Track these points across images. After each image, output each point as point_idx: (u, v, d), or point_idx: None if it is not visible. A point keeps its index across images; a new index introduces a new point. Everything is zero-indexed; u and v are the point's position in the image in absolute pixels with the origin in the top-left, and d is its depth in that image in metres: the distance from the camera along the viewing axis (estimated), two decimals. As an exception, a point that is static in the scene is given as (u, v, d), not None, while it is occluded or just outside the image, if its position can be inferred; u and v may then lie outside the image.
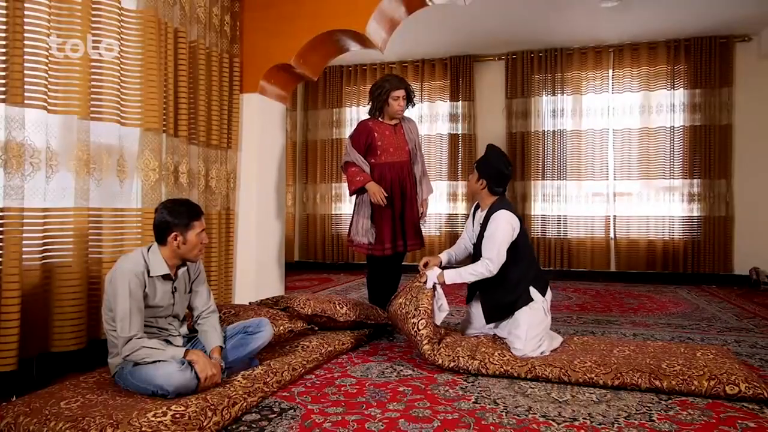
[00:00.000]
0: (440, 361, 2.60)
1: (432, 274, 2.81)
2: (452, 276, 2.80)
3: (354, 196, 3.63)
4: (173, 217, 2.22)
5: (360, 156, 3.51)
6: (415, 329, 2.67)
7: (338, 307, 3.09)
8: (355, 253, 6.29)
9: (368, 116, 3.64)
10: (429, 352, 2.62)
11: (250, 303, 3.29)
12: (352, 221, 3.61)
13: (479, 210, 3.00)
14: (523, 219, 6.16)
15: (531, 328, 2.66)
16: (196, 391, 2.08)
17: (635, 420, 2.00)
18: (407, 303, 2.78)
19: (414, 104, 3.67)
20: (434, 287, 2.80)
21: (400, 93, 3.48)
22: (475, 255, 2.94)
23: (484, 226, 2.84)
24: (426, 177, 3.72)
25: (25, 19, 2.36)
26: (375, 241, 3.48)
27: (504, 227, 2.75)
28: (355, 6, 3.66)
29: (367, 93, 3.74)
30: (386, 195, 3.42)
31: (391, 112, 3.53)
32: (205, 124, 3.51)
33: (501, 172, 2.86)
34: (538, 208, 6.26)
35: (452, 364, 2.58)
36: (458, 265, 2.96)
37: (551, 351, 2.71)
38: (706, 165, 5.76)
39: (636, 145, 6.01)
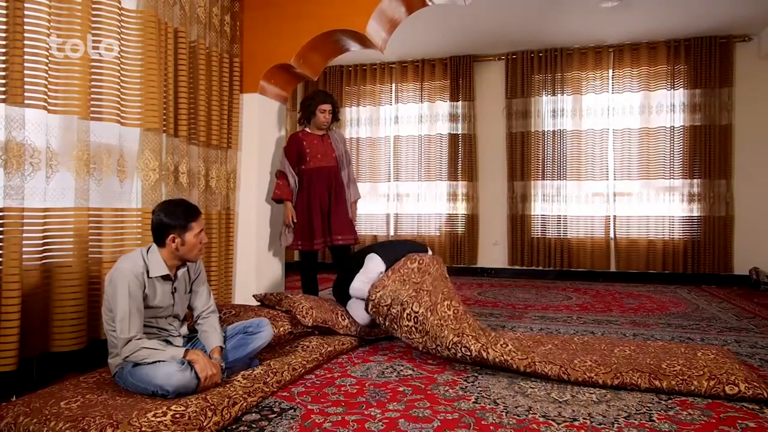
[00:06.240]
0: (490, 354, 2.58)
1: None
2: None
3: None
4: (170, 219, 2.21)
5: (290, 167, 3.83)
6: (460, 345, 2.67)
7: (340, 319, 3.09)
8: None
9: (299, 126, 3.99)
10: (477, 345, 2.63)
11: (254, 296, 3.32)
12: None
13: None
14: (523, 219, 6.26)
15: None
16: (196, 391, 2.08)
17: (635, 420, 2.00)
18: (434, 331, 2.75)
19: (338, 119, 4.06)
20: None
21: (327, 107, 3.83)
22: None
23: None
24: (354, 183, 4.03)
25: (25, 19, 2.36)
26: (303, 239, 3.80)
27: None
28: (355, 6, 3.67)
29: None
30: (294, 221, 3.79)
31: (317, 123, 3.86)
32: (205, 124, 3.51)
33: None
34: (538, 208, 6.26)
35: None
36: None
37: None
38: (706, 165, 5.76)
39: (636, 145, 6.02)
